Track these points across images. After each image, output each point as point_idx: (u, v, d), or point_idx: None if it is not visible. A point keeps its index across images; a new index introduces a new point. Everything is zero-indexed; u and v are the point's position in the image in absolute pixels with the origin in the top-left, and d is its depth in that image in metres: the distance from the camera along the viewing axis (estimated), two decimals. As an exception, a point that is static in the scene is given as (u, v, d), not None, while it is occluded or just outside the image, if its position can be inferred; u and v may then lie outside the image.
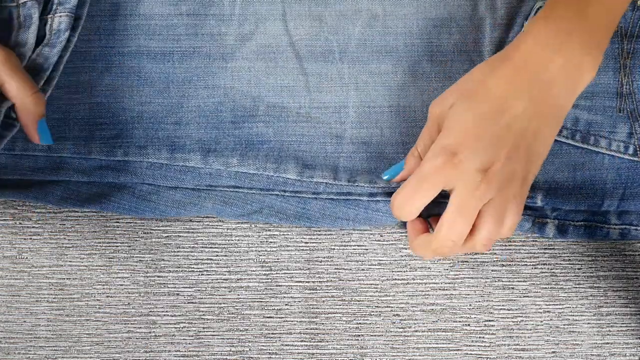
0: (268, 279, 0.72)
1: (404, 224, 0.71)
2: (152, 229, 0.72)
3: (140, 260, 0.72)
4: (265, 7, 0.72)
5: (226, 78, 0.72)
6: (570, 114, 0.70)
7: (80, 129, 0.71)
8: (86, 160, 0.71)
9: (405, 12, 0.72)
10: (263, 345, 0.71)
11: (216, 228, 0.72)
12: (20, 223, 0.72)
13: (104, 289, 0.72)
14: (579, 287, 0.71)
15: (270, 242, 0.72)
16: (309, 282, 0.72)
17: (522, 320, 0.71)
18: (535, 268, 0.72)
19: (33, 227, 0.72)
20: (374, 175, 0.70)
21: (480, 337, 0.71)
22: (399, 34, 0.72)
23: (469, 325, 0.71)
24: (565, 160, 0.71)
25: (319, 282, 0.72)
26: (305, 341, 0.71)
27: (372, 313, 0.71)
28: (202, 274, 0.72)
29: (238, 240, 0.72)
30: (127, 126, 0.71)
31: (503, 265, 0.72)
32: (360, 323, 0.71)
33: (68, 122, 0.71)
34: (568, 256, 0.72)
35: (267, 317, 0.71)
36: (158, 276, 0.72)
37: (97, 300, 0.71)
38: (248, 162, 0.71)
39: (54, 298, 0.71)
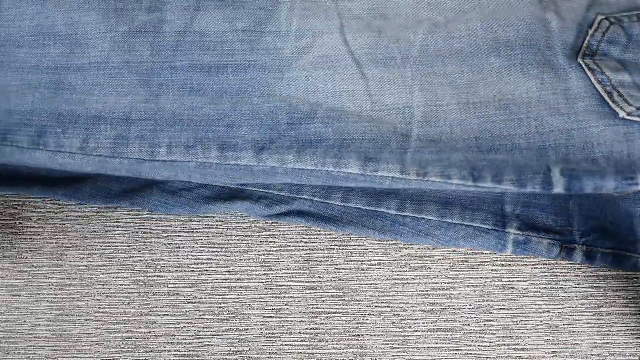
0: (268, 279, 0.72)
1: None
2: (152, 229, 0.72)
3: (140, 260, 0.72)
4: (323, 23, 0.69)
5: (282, 87, 0.68)
6: None
7: (122, 129, 0.67)
8: (128, 160, 0.67)
9: (468, 17, 0.69)
10: (263, 345, 0.71)
11: (216, 228, 0.72)
12: (20, 223, 0.72)
13: (104, 289, 0.72)
14: (579, 287, 0.71)
15: (270, 242, 0.72)
16: (309, 282, 0.72)
17: (522, 320, 0.71)
18: (535, 268, 0.72)
19: (33, 227, 0.72)
20: (447, 165, 0.64)
21: (480, 337, 0.71)
22: (463, 37, 0.69)
23: (469, 325, 0.71)
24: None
25: (319, 282, 0.72)
26: (305, 341, 0.71)
27: (372, 313, 0.71)
28: (202, 274, 0.72)
29: (238, 240, 0.72)
30: (175, 127, 0.67)
31: (503, 265, 0.72)
32: (360, 323, 0.71)
33: (107, 121, 0.67)
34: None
35: (267, 317, 0.71)
36: (158, 276, 0.72)
37: (97, 300, 0.72)
38: (305, 159, 0.65)
39: (54, 298, 0.71)
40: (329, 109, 0.67)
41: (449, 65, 0.68)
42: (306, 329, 0.71)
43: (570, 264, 0.72)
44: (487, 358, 0.71)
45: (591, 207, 0.69)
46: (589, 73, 0.66)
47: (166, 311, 0.71)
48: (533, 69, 0.67)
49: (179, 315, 0.71)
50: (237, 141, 0.66)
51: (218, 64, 0.69)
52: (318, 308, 0.71)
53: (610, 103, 0.65)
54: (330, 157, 0.65)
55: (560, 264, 0.72)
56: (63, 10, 0.70)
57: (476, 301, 0.71)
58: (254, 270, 0.72)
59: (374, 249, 0.72)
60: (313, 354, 0.71)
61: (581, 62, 0.67)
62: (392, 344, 0.71)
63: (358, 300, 0.71)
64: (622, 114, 0.65)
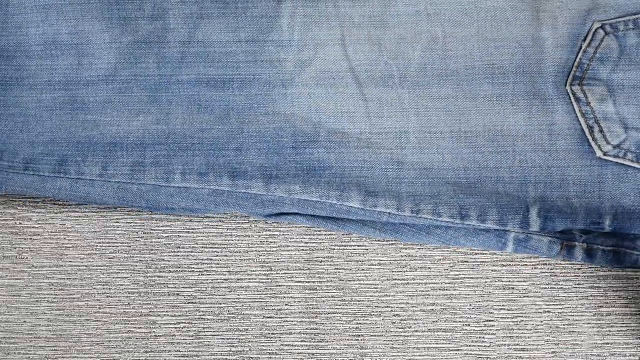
0: (268, 279, 0.72)
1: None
2: (152, 229, 0.72)
3: (140, 260, 0.72)
4: (324, 32, 0.71)
5: (286, 105, 0.71)
6: (634, 137, 0.69)
7: (137, 154, 0.70)
8: (144, 185, 0.70)
9: (465, 34, 0.70)
10: (263, 345, 0.71)
11: (216, 228, 0.72)
12: (20, 223, 0.72)
13: (104, 289, 0.72)
14: (579, 287, 0.71)
15: (270, 242, 0.72)
16: (309, 282, 0.72)
17: (522, 320, 0.71)
18: (535, 268, 0.72)
19: (33, 227, 0.72)
20: (437, 202, 0.69)
21: (480, 337, 0.71)
22: (459, 56, 0.70)
23: (469, 325, 0.71)
24: (630, 185, 0.69)
25: (319, 282, 0.72)
26: (305, 341, 0.71)
27: (372, 313, 0.71)
28: (202, 274, 0.72)
29: (238, 240, 0.72)
30: (187, 152, 0.70)
31: (503, 265, 0.72)
32: (360, 323, 0.71)
33: (123, 146, 0.70)
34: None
35: (267, 317, 0.71)
36: (158, 276, 0.72)
37: (97, 300, 0.71)
38: (310, 190, 0.69)
39: (54, 298, 0.71)
40: (331, 132, 0.70)
41: (444, 87, 0.71)
42: (306, 329, 0.71)
43: (570, 264, 0.72)
44: (487, 358, 0.71)
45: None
46: (574, 103, 0.69)
47: (166, 311, 0.71)
48: (522, 100, 0.70)
49: (179, 315, 0.71)
50: (247, 167, 0.70)
51: (223, 78, 0.71)
52: (318, 308, 0.71)
53: (590, 139, 0.69)
54: (334, 189, 0.70)
55: (560, 264, 0.72)
56: (66, 18, 0.70)
57: (476, 301, 0.71)
58: (254, 270, 0.72)
59: (374, 249, 0.72)
60: (313, 354, 0.71)
61: (569, 90, 0.69)
62: (392, 344, 0.71)
63: (358, 300, 0.71)
64: (598, 153, 0.69)
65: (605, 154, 0.68)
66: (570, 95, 0.69)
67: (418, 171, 0.70)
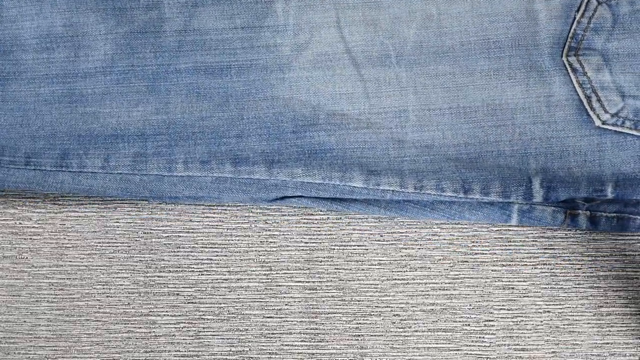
0: (268, 279, 0.72)
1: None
2: (152, 229, 0.72)
3: (140, 260, 0.72)
4: (319, 15, 0.71)
5: (284, 89, 0.71)
6: (632, 105, 0.69)
7: (139, 145, 0.70)
8: (147, 176, 0.70)
9: (459, 10, 0.71)
10: (263, 345, 0.71)
11: (216, 228, 0.72)
12: (20, 223, 0.72)
13: (104, 289, 0.72)
14: (579, 287, 0.71)
15: (270, 242, 0.72)
16: (309, 282, 0.72)
17: (522, 320, 0.71)
18: (535, 268, 0.72)
19: (33, 227, 0.72)
20: (440, 178, 0.70)
21: (480, 337, 0.71)
22: (454, 33, 0.71)
23: (469, 325, 0.71)
24: (630, 152, 0.70)
25: (319, 282, 0.72)
26: (305, 341, 0.71)
27: (372, 313, 0.71)
28: (202, 274, 0.72)
29: (238, 240, 0.72)
30: (188, 141, 0.70)
31: (503, 265, 0.72)
32: (360, 323, 0.71)
33: (124, 138, 0.70)
34: (568, 256, 0.72)
35: (267, 317, 0.71)
36: (158, 276, 0.72)
37: (97, 300, 0.72)
38: (313, 172, 0.70)
39: (54, 298, 0.71)
40: (330, 114, 0.71)
41: (441, 65, 0.71)
42: (306, 329, 0.71)
43: (570, 263, 0.72)
44: (487, 358, 0.71)
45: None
46: (571, 74, 0.70)
47: (166, 311, 0.71)
48: (520, 73, 0.70)
49: (179, 315, 0.71)
50: (248, 154, 0.70)
51: (221, 65, 0.71)
52: (318, 308, 0.71)
53: (588, 109, 0.69)
54: (336, 170, 0.70)
55: (560, 264, 0.72)
56: (60, 10, 0.71)
57: (476, 301, 0.71)
58: (254, 270, 0.72)
59: (374, 249, 0.72)
60: (313, 354, 0.71)
61: (565, 61, 0.70)
62: (392, 344, 0.71)
63: (358, 300, 0.71)
64: (597, 122, 0.69)
65: (604, 122, 0.69)
66: (567, 65, 0.70)
67: (419, 149, 0.70)
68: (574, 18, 0.70)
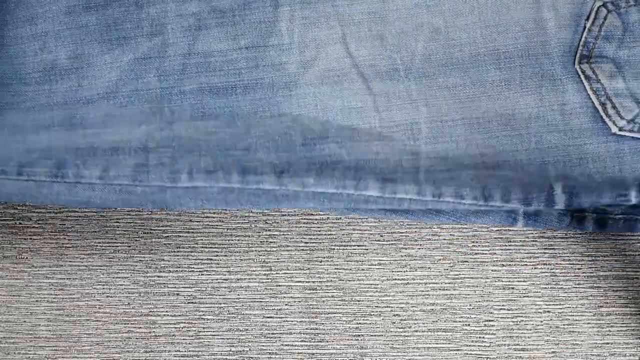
0: (268, 279, 0.72)
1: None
2: (152, 229, 0.72)
3: (140, 260, 0.72)
4: (324, 32, 0.70)
5: (292, 106, 0.69)
6: None
7: (141, 157, 0.68)
8: (149, 187, 0.67)
9: (467, 22, 0.70)
10: (263, 345, 0.71)
11: (216, 228, 0.72)
12: (20, 223, 0.72)
13: (104, 289, 0.72)
14: (579, 287, 0.71)
15: (270, 242, 0.72)
16: (309, 282, 0.72)
17: (522, 320, 0.71)
18: (535, 268, 0.72)
19: (33, 227, 0.72)
20: (459, 185, 0.68)
21: (480, 337, 0.71)
22: (463, 44, 0.70)
23: (469, 325, 0.71)
24: None
25: (319, 282, 0.72)
26: (305, 341, 0.71)
27: (372, 313, 0.71)
28: (202, 274, 0.72)
29: (238, 240, 0.72)
30: (193, 153, 0.68)
31: (503, 265, 0.72)
32: (360, 323, 0.71)
33: (124, 150, 0.68)
34: (568, 256, 0.72)
35: (267, 317, 0.71)
36: (158, 276, 0.72)
37: (97, 300, 0.72)
38: (325, 181, 0.67)
39: (54, 298, 0.72)
40: (340, 128, 0.69)
41: (450, 77, 0.70)
42: (306, 329, 0.71)
43: (570, 263, 0.72)
44: (487, 358, 0.71)
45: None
46: (584, 82, 0.69)
47: (166, 311, 0.71)
48: (531, 82, 0.69)
49: (179, 315, 0.71)
50: (257, 164, 0.67)
51: (226, 85, 0.70)
52: (318, 308, 0.71)
53: (604, 116, 0.68)
54: (349, 178, 0.67)
55: (560, 264, 0.72)
56: (65, 43, 0.70)
57: (476, 301, 0.71)
58: (254, 270, 0.72)
59: (374, 249, 0.72)
60: (313, 354, 0.71)
61: (577, 69, 0.69)
62: (392, 344, 0.71)
63: (358, 300, 0.71)
64: (613, 129, 0.68)
65: (620, 129, 0.68)
66: (580, 73, 0.69)
67: (434, 159, 0.69)
68: (584, 27, 0.69)
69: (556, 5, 0.70)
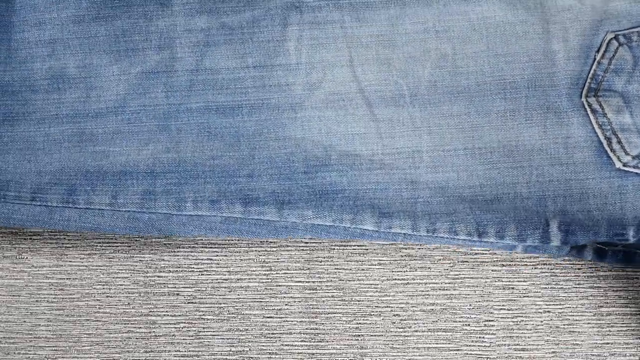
0: (268, 279, 0.72)
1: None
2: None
3: (140, 260, 0.72)
4: (332, 54, 0.70)
5: (296, 129, 0.70)
6: None
7: (148, 183, 0.69)
8: (155, 214, 0.69)
9: (475, 50, 0.70)
10: (263, 345, 0.71)
11: (216, 228, 0.72)
12: (20, 223, 0.73)
13: (104, 289, 0.72)
14: (579, 287, 0.71)
15: (270, 242, 0.72)
16: (309, 282, 0.72)
17: (522, 320, 0.71)
18: (535, 268, 0.72)
19: (33, 227, 0.72)
20: (454, 220, 0.69)
21: (480, 337, 0.71)
22: (470, 73, 0.70)
23: (469, 325, 0.71)
24: None
25: (319, 282, 0.72)
26: (305, 341, 0.71)
27: (372, 313, 0.71)
28: (202, 274, 0.72)
29: (238, 240, 0.72)
30: (198, 180, 0.69)
31: (503, 265, 0.72)
32: (360, 323, 0.71)
33: (133, 175, 0.69)
34: (568, 256, 0.72)
35: (267, 317, 0.71)
36: (158, 276, 0.72)
37: (97, 300, 0.72)
38: (324, 214, 0.69)
39: (54, 298, 0.71)
40: (342, 154, 0.69)
41: (455, 105, 0.69)
42: (306, 329, 0.71)
43: (571, 263, 0.72)
44: (487, 358, 0.71)
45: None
46: (590, 115, 0.68)
47: (166, 311, 0.71)
48: (536, 114, 0.69)
49: (179, 315, 0.71)
50: (259, 194, 0.69)
51: (232, 104, 0.70)
52: (318, 308, 0.71)
53: (608, 151, 0.68)
54: (347, 212, 0.69)
55: (560, 264, 0.72)
56: (73, 52, 0.70)
57: (476, 301, 0.71)
58: (254, 270, 0.72)
59: (374, 249, 0.72)
60: (313, 354, 0.71)
61: (584, 102, 0.68)
62: (392, 344, 0.71)
63: (358, 300, 0.71)
64: (617, 164, 0.68)
65: (624, 164, 0.68)
66: (587, 107, 0.68)
67: (433, 190, 0.69)
68: (594, 59, 0.69)
69: (566, 37, 0.69)
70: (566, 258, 0.72)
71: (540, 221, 0.68)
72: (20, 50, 0.70)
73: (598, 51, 0.69)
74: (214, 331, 0.71)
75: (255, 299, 0.71)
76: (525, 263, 0.72)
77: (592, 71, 0.69)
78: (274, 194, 0.69)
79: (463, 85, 0.70)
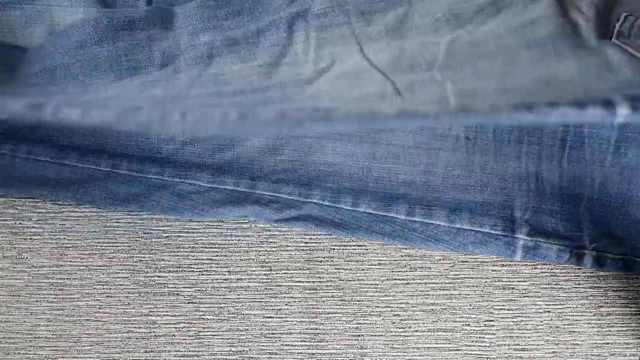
0: (268, 279, 0.72)
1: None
2: (152, 229, 0.72)
3: (140, 260, 0.72)
4: (340, 48, 0.69)
5: (305, 99, 0.68)
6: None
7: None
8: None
9: (490, 27, 0.69)
10: (263, 345, 0.71)
11: (216, 228, 0.72)
12: (20, 223, 0.72)
13: (104, 289, 0.72)
14: (579, 287, 0.71)
15: (270, 242, 0.72)
16: (309, 282, 0.72)
17: (522, 320, 0.71)
18: (535, 268, 0.72)
19: (33, 227, 0.72)
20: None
21: (480, 337, 0.71)
22: (489, 40, 0.68)
23: (469, 325, 0.71)
24: None
25: (319, 282, 0.72)
26: (305, 341, 0.71)
27: (372, 313, 0.71)
28: (202, 274, 0.72)
29: (238, 240, 0.72)
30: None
31: (503, 265, 0.72)
32: (360, 323, 0.71)
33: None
34: (567, 264, 0.72)
35: (267, 317, 0.71)
36: (158, 276, 0.72)
37: (97, 300, 0.72)
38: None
39: (54, 298, 0.72)
40: (356, 114, 0.66)
41: (478, 63, 0.66)
42: (306, 329, 0.71)
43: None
44: (487, 358, 0.71)
45: (601, 212, 0.69)
46: (626, 47, 0.65)
47: (166, 311, 0.71)
48: (567, 52, 0.66)
49: (179, 315, 0.71)
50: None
51: (235, 90, 0.68)
52: (318, 308, 0.71)
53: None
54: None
55: (560, 264, 0.72)
56: (73, 75, 0.70)
57: (476, 301, 0.71)
58: (254, 270, 0.72)
59: (374, 249, 0.72)
60: (313, 354, 0.71)
61: (616, 42, 0.66)
62: (392, 344, 0.71)
63: (358, 300, 0.71)
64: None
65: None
66: (619, 44, 0.66)
67: (462, 112, 0.66)
68: (615, 25, 0.67)
69: (581, 10, 0.68)
70: (575, 263, 0.72)
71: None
72: (24, 80, 0.70)
73: (618, 20, 0.66)
74: (214, 331, 0.71)
75: (255, 299, 0.71)
76: (525, 263, 0.72)
77: (616, 30, 0.66)
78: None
79: (483, 50, 0.67)
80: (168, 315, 0.71)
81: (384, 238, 0.70)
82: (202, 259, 0.72)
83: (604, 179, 0.69)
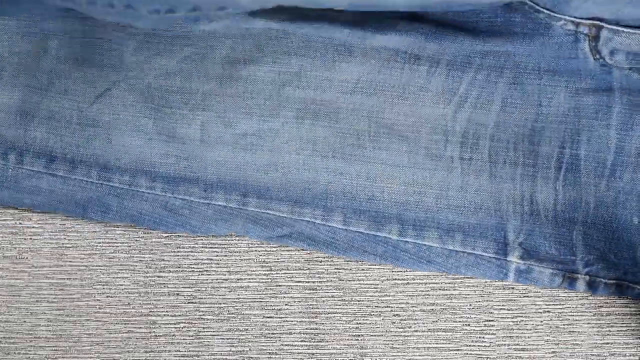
0: (268, 279, 0.72)
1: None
2: (152, 229, 0.72)
3: (140, 260, 0.72)
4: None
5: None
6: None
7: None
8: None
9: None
10: (263, 345, 0.71)
11: (216, 228, 0.72)
12: (20, 223, 0.72)
13: (104, 289, 0.72)
14: (579, 287, 0.71)
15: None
16: (309, 282, 0.72)
17: (522, 320, 0.71)
18: (535, 268, 0.72)
19: (33, 227, 0.72)
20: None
21: (480, 337, 0.71)
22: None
23: (469, 325, 0.71)
24: None
25: (319, 282, 0.72)
26: (305, 341, 0.71)
27: (372, 313, 0.71)
28: (202, 274, 0.72)
29: (238, 240, 0.72)
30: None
31: (503, 265, 0.72)
32: (360, 323, 0.71)
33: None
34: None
35: (267, 317, 0.71)
36: (158, 276, 0.72)
37: (97, 300, 0.72)
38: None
39: (54, 298, 0.72)
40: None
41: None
42: (306, 329, 0.71)
43: (570, 264, 0.72)
44: (487, 358, 0.71)
45: (594, 237, 0.69)
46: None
47: (166, 311, 0.71)
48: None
49: (179, 315, 0.71)
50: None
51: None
52: (318, 308, 0.71)
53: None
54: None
55: (560, 264, 0.72)
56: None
57: (476, 301, 0.71)
58: (254, 270, 0.72)
59: (374, 249, 0.72)
60: (313, 354, 0.71)
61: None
62: (392, 344, 0.71)
63: (358, 300, 0.71)
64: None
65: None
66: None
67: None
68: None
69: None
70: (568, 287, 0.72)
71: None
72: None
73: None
74: (214, 331, 0.71)
75: (255, 299, 0.71)
76: (525, 263, 0.72)
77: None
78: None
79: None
80: (168, 315, 0.71)
81: (376, 259, 0.70)
82: (202, 259, 0.72)
83: (599, 203, 0.68)
